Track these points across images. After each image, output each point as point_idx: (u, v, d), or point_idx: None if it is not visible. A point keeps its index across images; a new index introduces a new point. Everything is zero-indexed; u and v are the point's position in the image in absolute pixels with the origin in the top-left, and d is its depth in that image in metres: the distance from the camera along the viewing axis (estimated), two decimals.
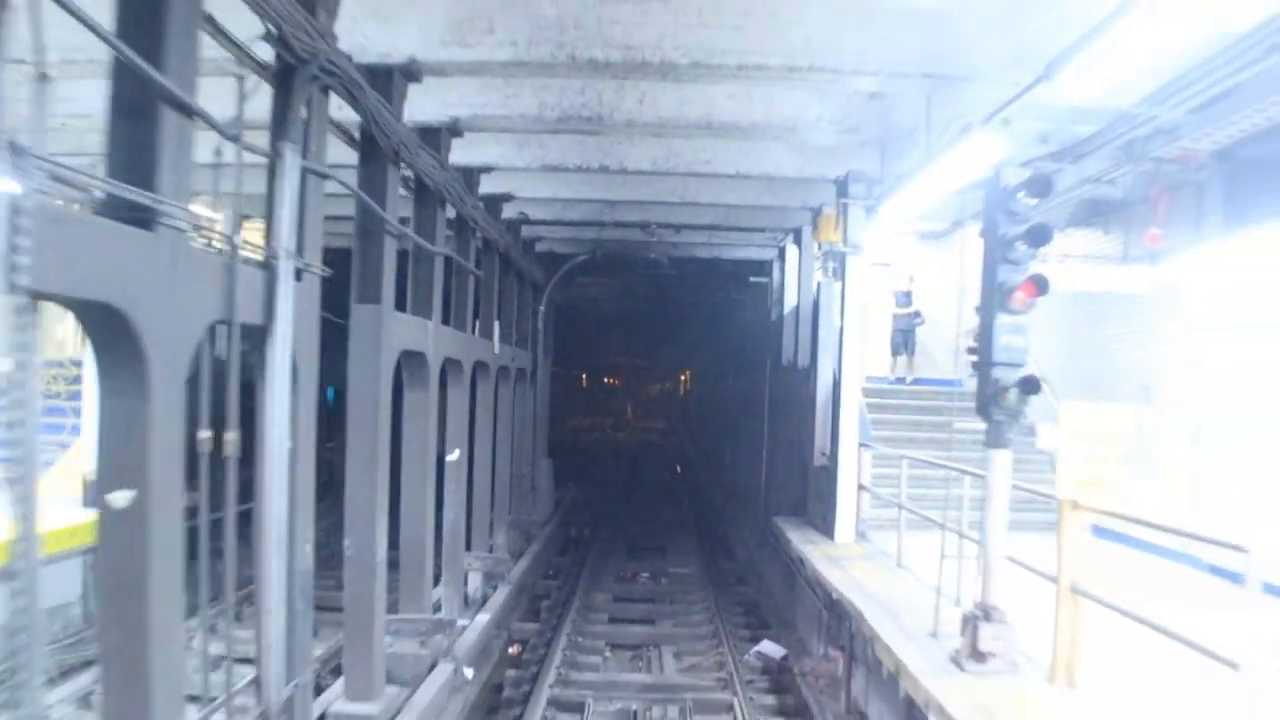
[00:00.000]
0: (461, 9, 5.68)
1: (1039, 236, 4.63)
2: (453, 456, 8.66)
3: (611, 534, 16.21)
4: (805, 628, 9.60)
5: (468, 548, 9.52)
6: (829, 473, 9.23)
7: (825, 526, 9.16)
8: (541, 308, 13.90)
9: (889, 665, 5.38)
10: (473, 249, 9.14)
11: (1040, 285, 4.67)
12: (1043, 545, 5.17)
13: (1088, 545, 4.81)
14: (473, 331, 9.52)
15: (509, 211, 10.73)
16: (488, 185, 9.39)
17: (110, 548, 3.30)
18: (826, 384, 9.78)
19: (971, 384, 11.59)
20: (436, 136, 7.27)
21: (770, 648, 9.40)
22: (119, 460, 3.27)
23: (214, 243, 3.79)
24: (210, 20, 3.67)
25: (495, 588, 10.16)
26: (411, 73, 6.07)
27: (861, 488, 8.98)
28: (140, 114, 3.25)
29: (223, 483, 3.98)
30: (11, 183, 2.47)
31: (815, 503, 9.97)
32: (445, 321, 7.97)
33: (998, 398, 4.74)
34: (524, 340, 12.96)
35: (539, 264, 13.56)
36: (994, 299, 4.72)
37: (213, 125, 3.60)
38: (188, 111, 3.40)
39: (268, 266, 4.13)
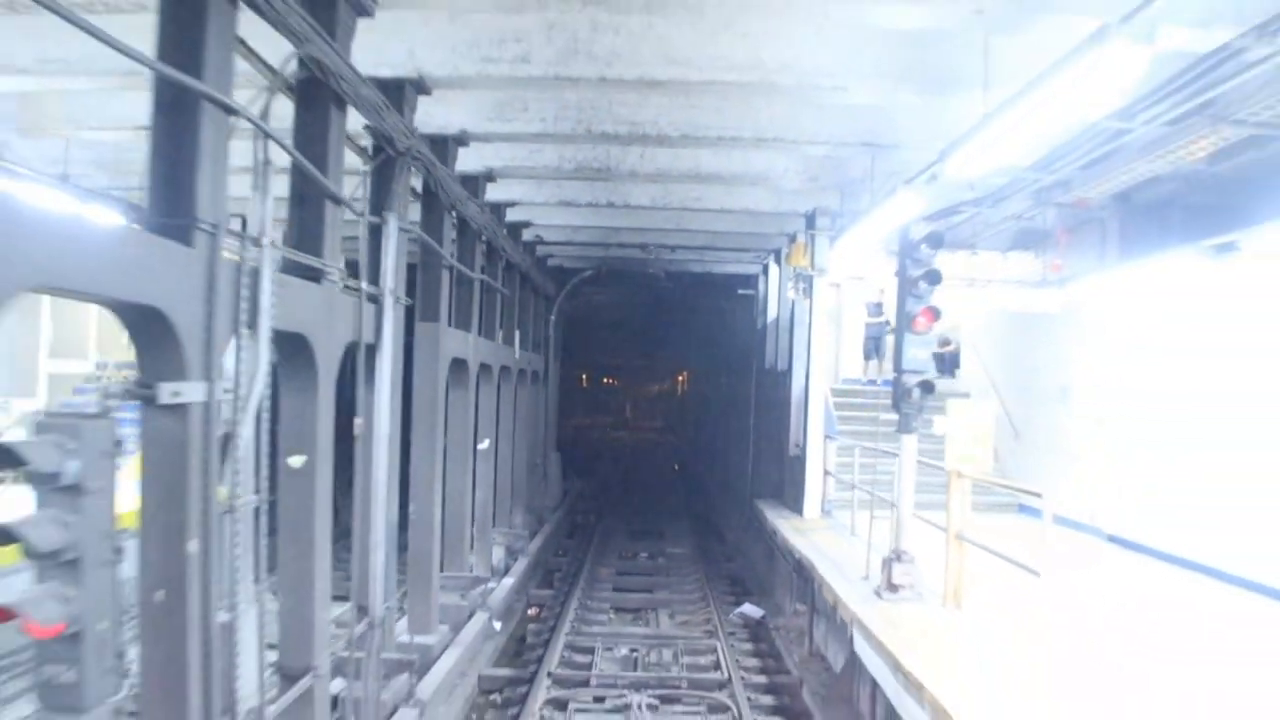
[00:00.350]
0: (503, 95, 7.33)
1: (934, 278, 6.29)
2: (483, 445, 10.32)
3: (614, 520, 17.87)
4: (781, 594, 11.24)
5: (492, 524, 11.19)
6: (800, 461, 10.91)
7: (796, 506, 10.85)
8: (553, 317, 15.59)
9: (830, 600, 7.05)
10: (500, 270, 10.81)
11: (936, 313, 6.34)
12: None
13: (968, 503, 6.45)
14: (498, 340, 11.18)
15: (526, 234, 12.40)
16: (510, 214, 11.06)
17: (290, 493, 4.95)
18: (800, 386, 11.45)
19: (939, 385, 13.42)
20: (475, 182, 8.94)
21: (750, 609, 11.07)
22: (297, 436, 4.92)
23: (349, 287, 5.44)
24: (348, 138, 5.34)
25: (515, 559, 11.82)
26: (462, 140, 7.74)
27: (827, 473, 10.66)
28: (314, 207, 4.90)
29: (348, 455, 5.64)
30: (266, 262, 4.12)
31: (790, 487, 11.64)
32: (479, 333, 9.64)
33: (905, 396, 6.41)
34: (538, 345, 14.63)
35: (550, 278, 15.23)
36: (903, 323, 6.39)
37: (349, 206, 5.26)
38: (336, 200, 5.06)
39: (377, 301, 5.79)
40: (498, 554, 11.52)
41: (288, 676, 4.88)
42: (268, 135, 4.06)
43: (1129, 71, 4.21)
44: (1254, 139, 7.05)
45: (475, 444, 9.88)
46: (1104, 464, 9.57)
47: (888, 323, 14.60)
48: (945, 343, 14.78)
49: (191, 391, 3.55)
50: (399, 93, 6.08)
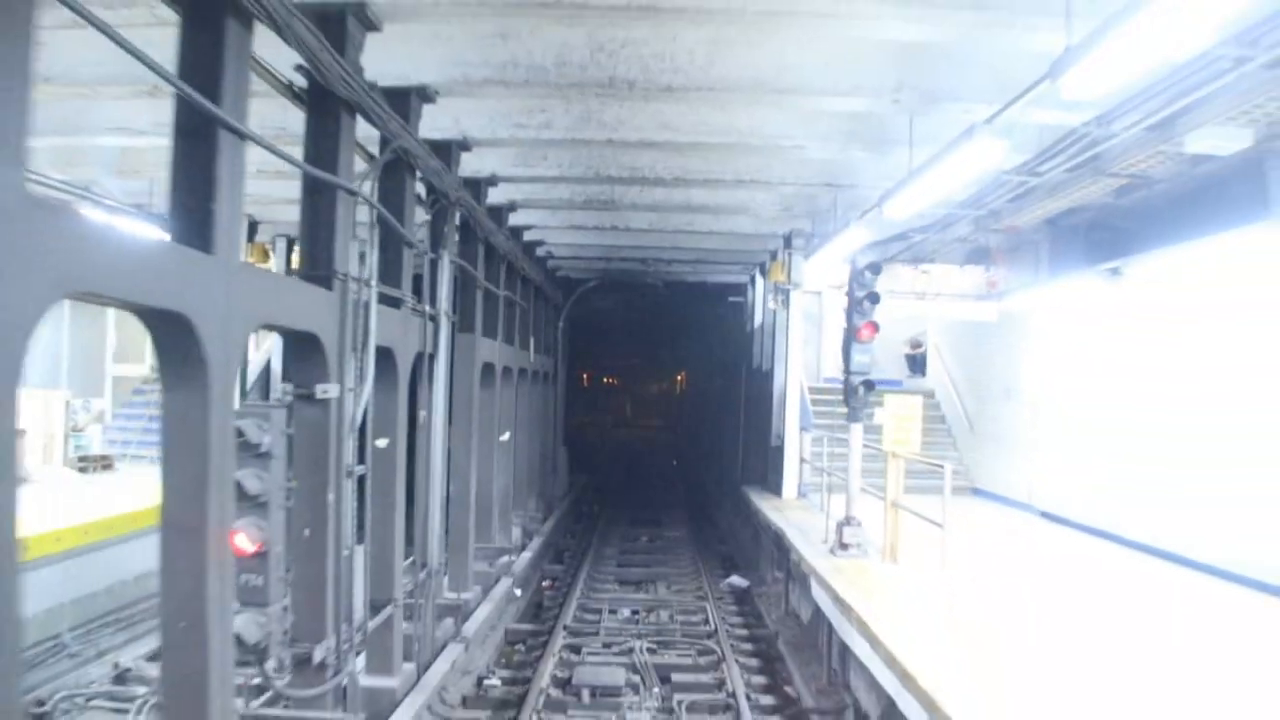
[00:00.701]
0: (527, 147, 8.89)
1: (875, 298, 7.89)
2: (504, 437, 11.90)
3: (616, 509, 19.46)
4: (765, 568, 12.82)
5: (511, 507, 12.78)
6: (780, 450, 12.51)
7: (777, 489, 12.45)
8: (561, 323, 17.19)
9: (796, 559, 8.65)
10: (517, 284, 12.40)
11: (876, 327, 7.94)
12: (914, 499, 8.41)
13: (901, 478, 8.02)
14: (516, 345, 12.76)
15: (539, 250, 13.98)
16: (527, 235, 12.64)
17: (378, 467, 6.53)
18: (780, 384, 13.06)
19: (911, 384, 15.08)
20: (499, 211, 10.54)
21: (738, 580, 12.66)
22: (383, 424, 6.50)
23: (414, 309, 7.03)
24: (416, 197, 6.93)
25: (530, 539, 13.41)
26: (492, 181, 9.34)
27: (803, 460, 12.25)
28: (394, 250, 6.48)
29: (413, 442, 7.23)
30: (373, 298, 5.69)
31: (772, 474, 13.23)
32: (502, 339, 11.22)
33: (853, 393, 8.00)
34: (548, 349, 16.22)
35: (559, 287, 16.82)
36: (850, 335, 7.99)
37: (416, 248, 6.84)
38: (410, 244, 6.65)
39: (435, 320, 7.39)
40: (515, 533, 13.09)
41: (374, 606, 6.47)
42: (375, 207, 5.67)
43: (993, 154, 5.81)
44: (1144, 179, 8.68)
45: (498, 436, 11.46)
46: (1037, 452, 11.17)
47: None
48: (917, 345, 16.44)
49: (331, 391, 5.15)
50: (447, 152, 7.68)
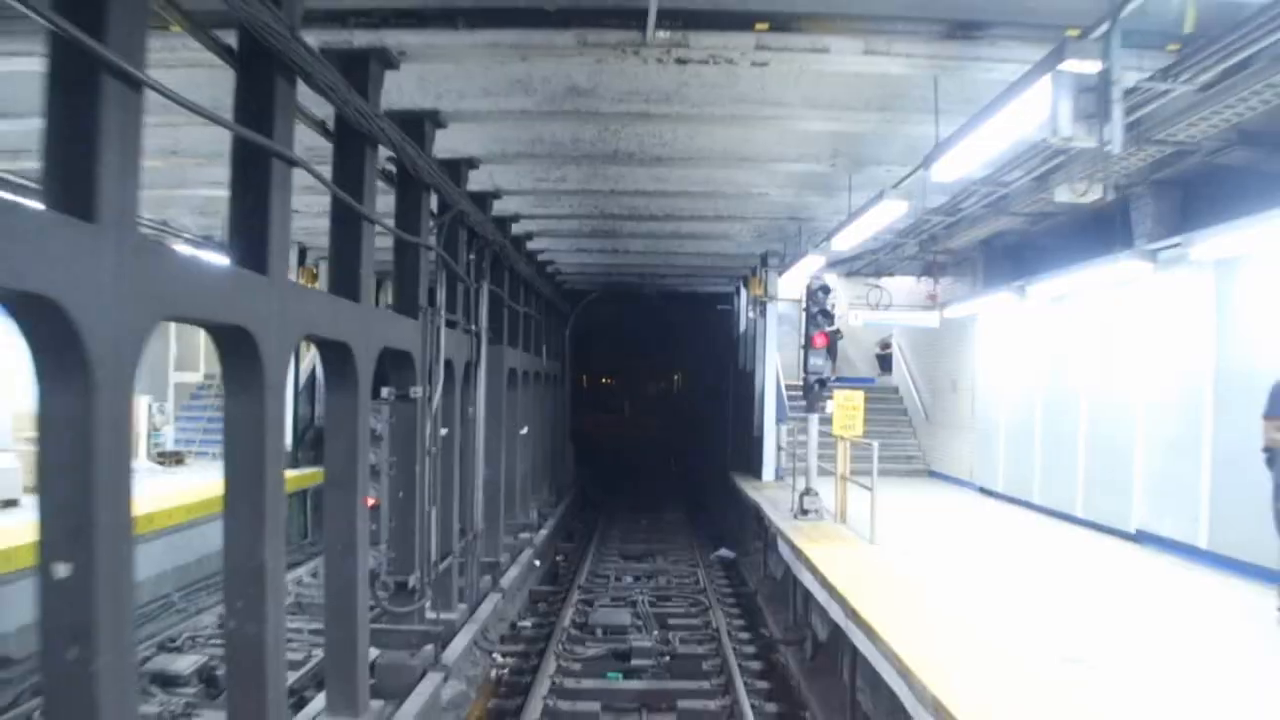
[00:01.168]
0: (546, 195, 10.87)
1: (828, 316, 9.90)
2: (523, 431, 13.90)
3: (618, 498, 21.48)
4: (748, 541, 14.81)
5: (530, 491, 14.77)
6: (760, 440, 14.52)
7: (758, 473, 14.46)
8: (568, 330, 19.20)
9: (768, 525, 10.65)
10: (533, 299, 14.41)
11: (831, 336, 9.94)
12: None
13: (849, 454, 10.00)
14: (531, 351, 14.75)
15: (549, 267, 15.98)
16: (541, 256, 14.65)
17: (441, 451, 8.50)
18: (760, 383, 15.06)
19: (882, 380, 17.23)
20: (520, 241, 12.53)
21: (725, 552, 14.67)
22: (444, 416, 8.48)
23: (466, 330, 9.01)
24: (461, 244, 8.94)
25: (545, 520, 15.40)
26: (515, 219, 11.35)
27: (779, 448, 14.26)
28: (454, 286, 8.47)
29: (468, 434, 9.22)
30: (442, 324, 7.68)
31: (755, 460, 15.24)
32: (521, 348, 13.22)
33: (810, 390, 10.02)
34: (557, 354, 18.23)
35: (565, 299, 18.82)
36: (807, 343, 10.00)
37: (468, 284, 8.83)
38: (463, 281, 8.65)
39: (477, 335, 9.38)
40: (532, 515, 15.10)
41: (440, 555, 8.46)
42: (443, 257, 7.68)
43: (898, 209, 7.82)
44: (1048, 213, 10.68)
45: (519, 431, 13.45)
46: (975, 437, 13.20)
47: (838, 331, 18.21)
48: (886, 346, 18.47)
49: (417, 392, 7.14)
50: (484, 202, 9.67)
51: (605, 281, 18.54)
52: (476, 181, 9.34)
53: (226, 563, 4.33)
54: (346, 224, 5.73)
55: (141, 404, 13.45)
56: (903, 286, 14.94)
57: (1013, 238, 12.40)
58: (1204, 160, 7.64)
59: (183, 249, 10.57)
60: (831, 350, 18.28)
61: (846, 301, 15.77)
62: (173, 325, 16.57)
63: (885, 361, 18.49)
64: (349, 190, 5.59)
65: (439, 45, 5.75)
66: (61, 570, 3.15)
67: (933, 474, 14.85)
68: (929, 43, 5.64)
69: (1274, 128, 6.91)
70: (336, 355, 5.65)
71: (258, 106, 4.25)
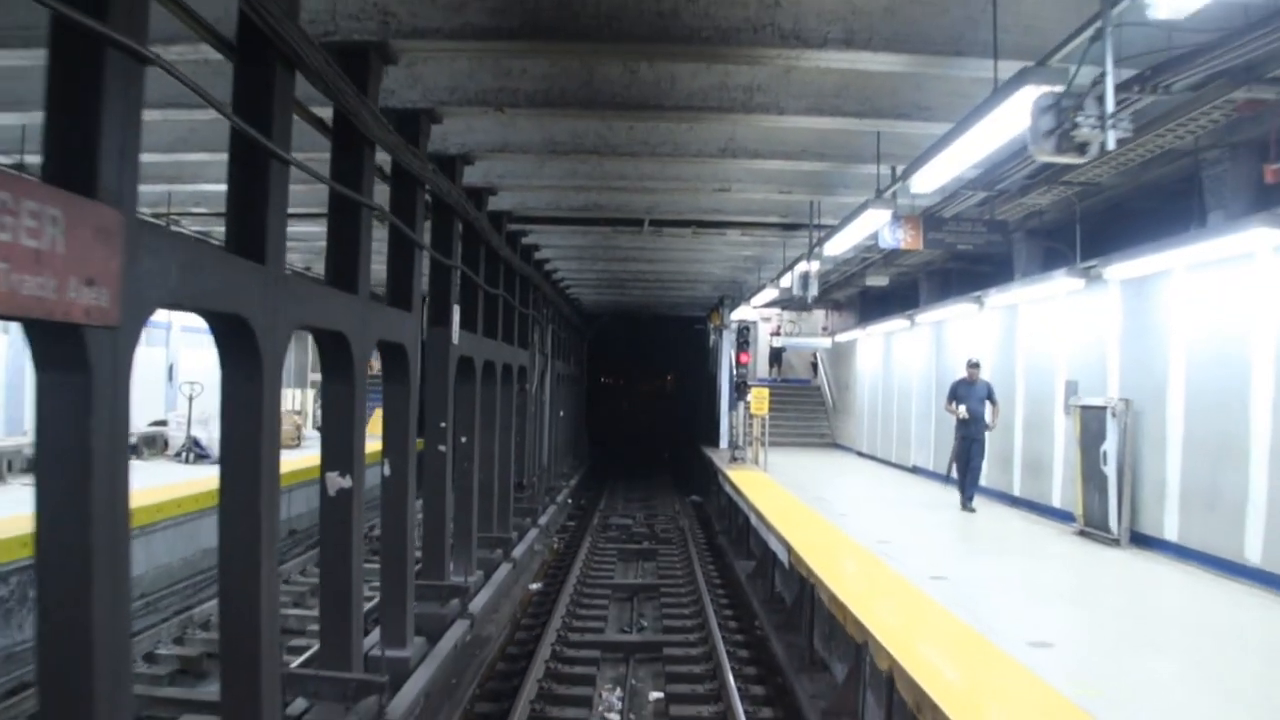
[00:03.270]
0: (583, 267, 17.73)
1: (744, 344, 16.83)
2: (561, 413, 20.83)
3: (620, 469, 28.42)
4: (710, 488, 21.72)
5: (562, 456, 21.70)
6: (717, 422, 21.48)
7: (716, 444, 21.41)
8: (585, 343, 26.20)
9: (715, 468, 17.58)
10: (564, 323, 21.34)
11: (749, 356, 16.87)
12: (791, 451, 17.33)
13: (765, 428, 16.91)
14: (566, 361, 21.66)
15: (571, 293, 22.87)
16: (571, 293, 21.55)
17: (531, 422, 15.37)
18: (719, 383, 21.99)
19: (814, 381, 24.65)
20: (563, 288, 19.42)
21: (696, 498, 21.59)
22: (536, 403, 15.35)
23: (523, 347, 15.87)
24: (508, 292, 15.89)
25: (570, 479, 22.32)
26: (538, 247, 18.26)
27: (731, 426, 21.17)
28: (510, 314, 15.36)
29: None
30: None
31: (715, 435, 22.16)
32: (559, 358, 20.14)
33: (736, 389, 16.95)
34: (579, 362, 25.21)
35: (583, 318, 25.77)
36: (736, 360, 16.93)
37: (523, 313, 15.73)
38: (517, 310, 15.54)
39: (545, 354, 16.28)
40: (566, 470, 22.02)
41: (522, 485, 15.34)
42: (532, 315, 14.65)
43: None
44: (902, 274, 17.58)
45: (559, 414, 20.36)
46: (856, 419, 20.16)
47: (783, 349, 25.19)
48: (814, 358, 25.48)
49: (531, 389, 14.03)
50: (519, 238, 16.53)
51: (613, 306, 25.49)
52: (542, 254, 16.25)
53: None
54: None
55: (302, 396, 20.36)
56: (815, 317, 21.89)
57: (876, 291, 19.33)
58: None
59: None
60: (778, 360, 25.35)
61: (769, 330, 22.76)
62: (309, 336, 23.44)
63: (815, 369, 25.48)
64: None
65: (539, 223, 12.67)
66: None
67: (836, 445, 21.81)
68: (778, 233, 12.55)
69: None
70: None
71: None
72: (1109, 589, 7.25)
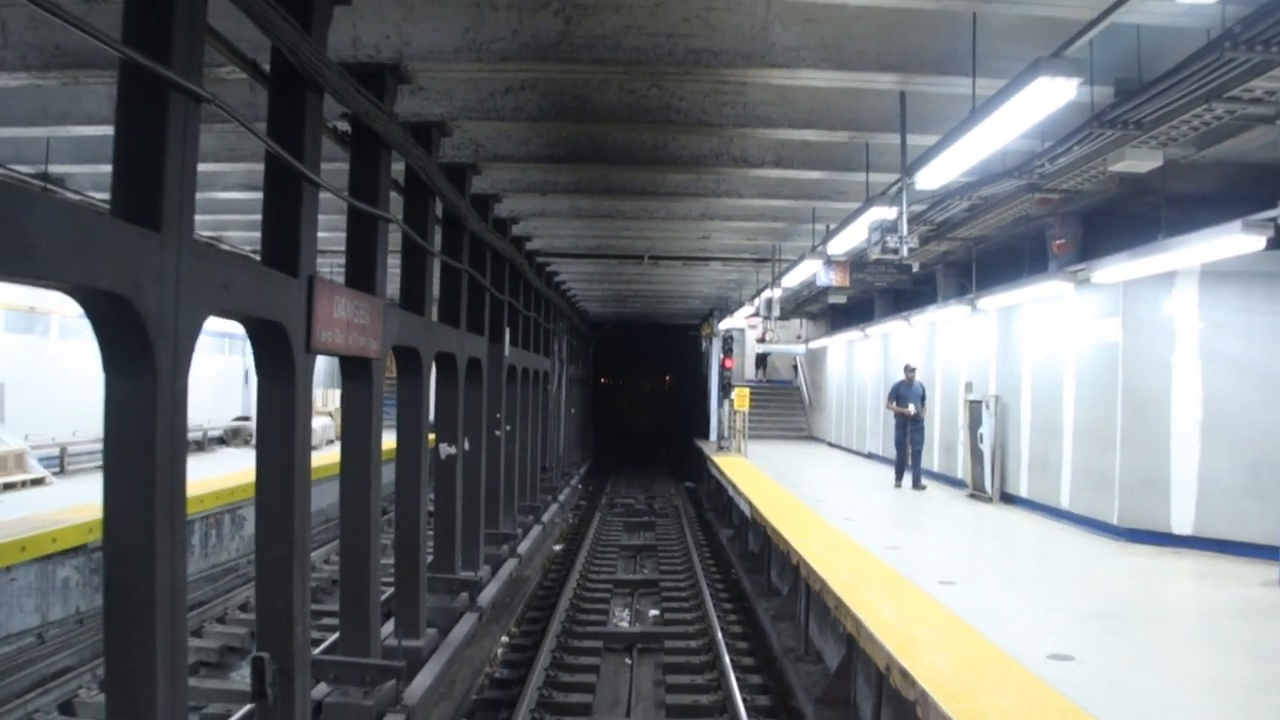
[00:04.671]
0: (591, 283, 20.91)
1: (729, 350, 19.98)
2: (572, 411, 23.99)
3: (622, 462, 31.59)
4: (701, 474, 24.88)
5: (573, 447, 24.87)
6: (707, 418, 24.64)
7: (706, 436, 24.57)
8: (591, 349, 29.40)
9: (705, 455, 20.74)
10: (577, 334, 24.50)
11: (732, 361, 20.01)
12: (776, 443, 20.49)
13: (745, 421, 20.07)
14: (575, 365, 24.80)
15: (579, 304, 26.03)
16: (580, 304, 24.70)
17: (550, 418, 18.52)
18: (709, 383, 25.15)
19: (795, 382, 28.08)
20: (562, 283, 22.56)
21: (690, 484, 24.76)
22: (555, 401, 18.51)
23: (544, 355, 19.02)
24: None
25: (580, 468, 25.49)
26: (574, 294, 21.43)
27: (719, 421, 24.34)
28: (541, 335, 18.54)
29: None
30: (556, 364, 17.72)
31: (705, 428, 25.33)
32: (572, 363, 23.29)
33: (722, 388, 20.10)
34: (585, 364, 28.38)
35: (589, 325, 28.94)
36: (721, 365, 20.09)
37: (543, 326, 18.90)
38: (544, 328, 18.72)
39: (562, 360, 19.44)
40: (576, 459, 25.17)
41: (544, 468, 18.49)
42: (549, 326, 17.83)
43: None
44: (864, 293, 20.77)
45: (570, 411, 23.51)
46: (826, 414, 23.34)
47: (767, 354, 28.35)
48: (793, 361, 28.67)
49: (553, 389, 17.19)
50: (544, 268, 19.67)
51: (618, 319, 28.71)
52: (560, 278, 19.41)
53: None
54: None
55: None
56: (792, 325, 25.06)
57: (844, 306, 22.52)
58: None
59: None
60: (763, 364, 28.54)
61: (755, 336, 25.87)
62: None
63: (796, 371, 28.67)
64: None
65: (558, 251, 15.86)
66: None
67: (812, 438, 24.98)
68: (752, 264, 15.73)
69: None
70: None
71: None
72: (971, 526, 10.43)
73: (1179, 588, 7.54)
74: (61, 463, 12.71)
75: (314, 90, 4.85)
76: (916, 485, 13.52)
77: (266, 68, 4.90)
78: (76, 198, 9.67)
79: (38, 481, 11.40)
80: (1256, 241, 6.37)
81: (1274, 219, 6.24)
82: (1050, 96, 4.64)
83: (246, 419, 18.76)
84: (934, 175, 6.63)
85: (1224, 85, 5.59)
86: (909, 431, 13.67)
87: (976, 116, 5.37)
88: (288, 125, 4.79)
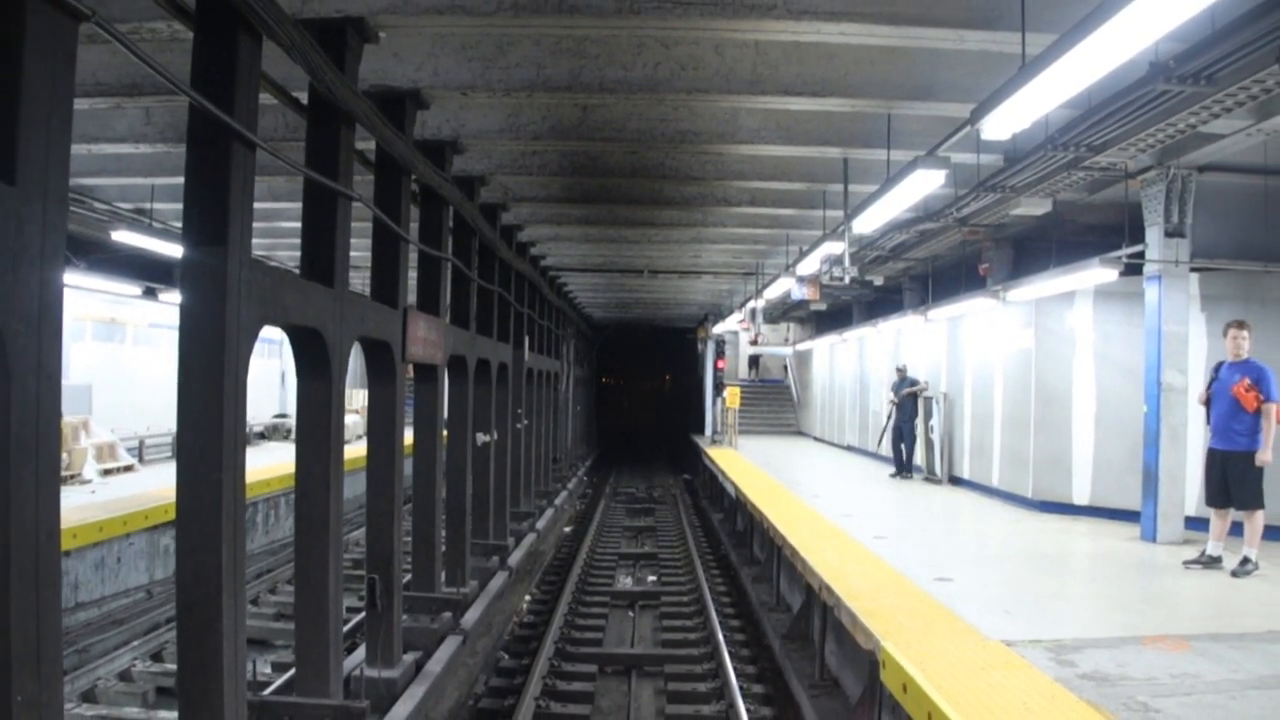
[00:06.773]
0: (597, 292, 22.88)
1: (720, 352, 21.97)
2: (578, 408, 25.97)
3: (623, 456, 33.59)
4: (697, 466, 26.85)
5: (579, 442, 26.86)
6: (702, 414, 26.64)
7: (702, 431, 26.56)
8: (594, 350, 31.41)
9: (700, 448, 22.74)
10: (581, 334, 26.49)
11: (724, 361, 22.00)
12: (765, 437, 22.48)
13: (736, 417, 22.06)
14: (580, 365, 26.79)
15: (584, 309, 28.02)
16: (585, 310, 26.68)
17: (560, 414, 20.51)
18: (705, 382, 27.14)
19: (785, 381, 30.28)
20: (569, 291, 24.55)
21: (687, 476, 26.75)
22: (565, 399, 20.50)
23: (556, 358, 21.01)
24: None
25: (585, 462, 27.47)
26: (581, 301, 23.43)
27: (714, 416, 26.33)
28: (553, 342, 20.53)
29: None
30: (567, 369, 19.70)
31: (701, 424, 27.31)
32: (577, 363, 25.27)
33: (715, 387, 22.09)
34: (590, 365, 30.38)
35: (593, 328, 30.93)
36: (714, 365, 22.07)
37: (555, 332, 20.90)
38: (556, 335, 20.72)
39: (568, 363, 21.43)
40: (582, 453, 27.16)
41: (555, 458, 20.46)
42: (557, 330, 19.83)
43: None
44: (840, 302, 22.76)
45: (576, 407, 25.51)
46: (812, 411, 25.33)
47: (759, 355, 30.33)
48: (783, 361, 30.68)
49: (563, 388, 19.17)
50: (555, 279, 21.66)
51: (620, 323, 30.72)
52: (568, 287, 21.39)
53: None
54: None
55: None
56: (781, 328, 27.06)
57: (828, 311, 24.51)
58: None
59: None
60: (755, 364, 30.56)
61: (748, 339, 27.84)
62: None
63: (785, 372, 30.67)
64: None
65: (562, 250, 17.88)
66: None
67: (800, 433, 26.98)
68: (741, 277, 17.72)
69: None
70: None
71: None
72: (914, 502, 12.43)
73: (1059, 541, 9.51)
74: (140, 453, 14.69)
75: (405, 173, 6.86)
76: (903, 474, 14.72)
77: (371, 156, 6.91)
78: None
79: (128, 468, 13.38)
80: (1110, 274, 8.36)
81: (1119, 257, 8.23)
82: (926, 182, 6.64)
83: (284, 416, 20.74)
84: (867, 222, 8.65)
85: (1074, 160, 7.58)
86: (901, 426, 15.18)
87: (887, 186, 7.37)
88: (388, 202, 6.80)
